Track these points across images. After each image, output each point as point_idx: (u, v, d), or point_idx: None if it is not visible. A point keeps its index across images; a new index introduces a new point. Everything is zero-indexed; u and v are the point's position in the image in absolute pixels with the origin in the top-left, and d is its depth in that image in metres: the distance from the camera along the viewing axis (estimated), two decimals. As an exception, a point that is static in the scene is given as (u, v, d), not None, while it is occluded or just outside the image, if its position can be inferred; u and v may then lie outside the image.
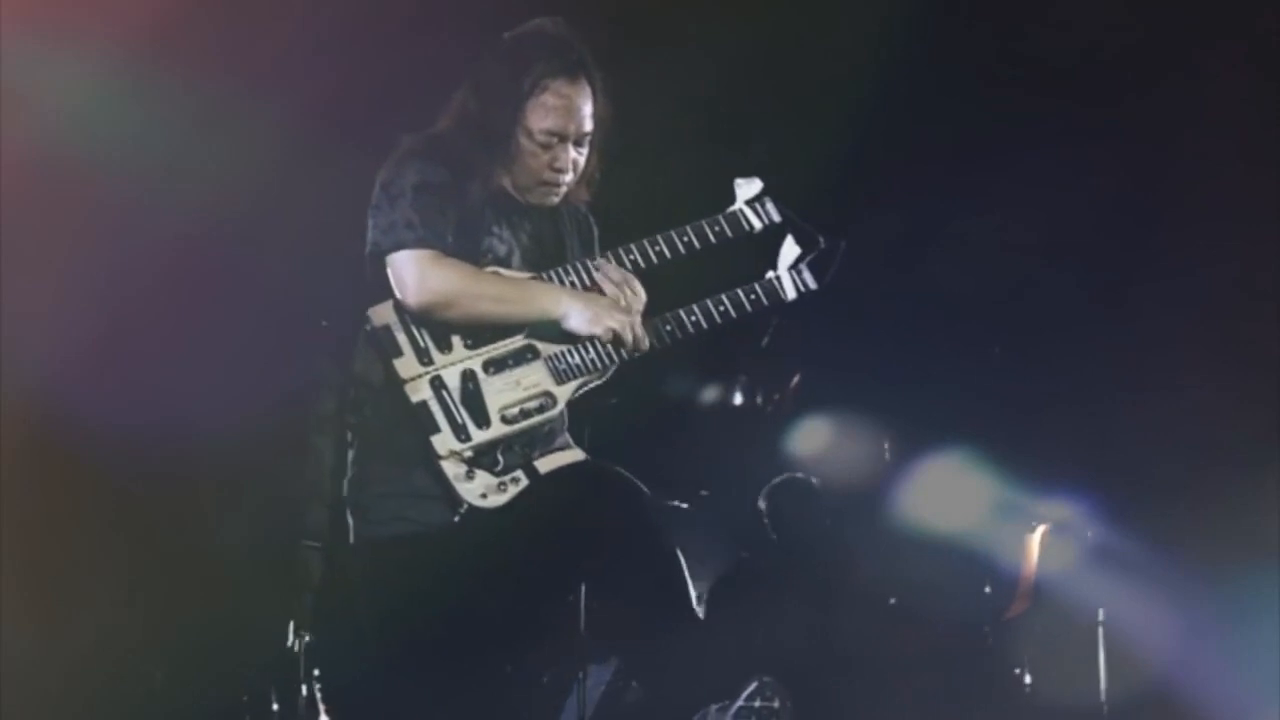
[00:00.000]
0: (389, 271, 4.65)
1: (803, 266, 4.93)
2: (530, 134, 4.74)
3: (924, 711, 7.29)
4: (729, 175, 5.00)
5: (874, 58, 7.50)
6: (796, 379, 8.08)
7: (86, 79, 6.60)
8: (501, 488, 4.61)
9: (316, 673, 6.66)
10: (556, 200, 4.87)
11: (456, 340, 4.66)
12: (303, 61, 6.85)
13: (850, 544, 7.69)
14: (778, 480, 7.88)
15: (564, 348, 4.73)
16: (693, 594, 4.70)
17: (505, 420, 4.63)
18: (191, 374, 6.88)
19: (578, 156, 4.81)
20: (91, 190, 6.70)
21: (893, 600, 7.61)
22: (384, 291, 4.70)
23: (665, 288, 4.92)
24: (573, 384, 4.74)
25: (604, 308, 4.72)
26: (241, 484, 7.23)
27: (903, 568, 7.53)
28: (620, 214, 5.11)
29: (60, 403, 6.65)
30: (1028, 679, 7.51)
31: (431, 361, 4.63)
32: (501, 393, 4.65)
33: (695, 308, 4.84)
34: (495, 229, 4.79)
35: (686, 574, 4.69)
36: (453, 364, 4.64)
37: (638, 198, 5.43)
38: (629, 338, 4.72)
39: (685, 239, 4.85)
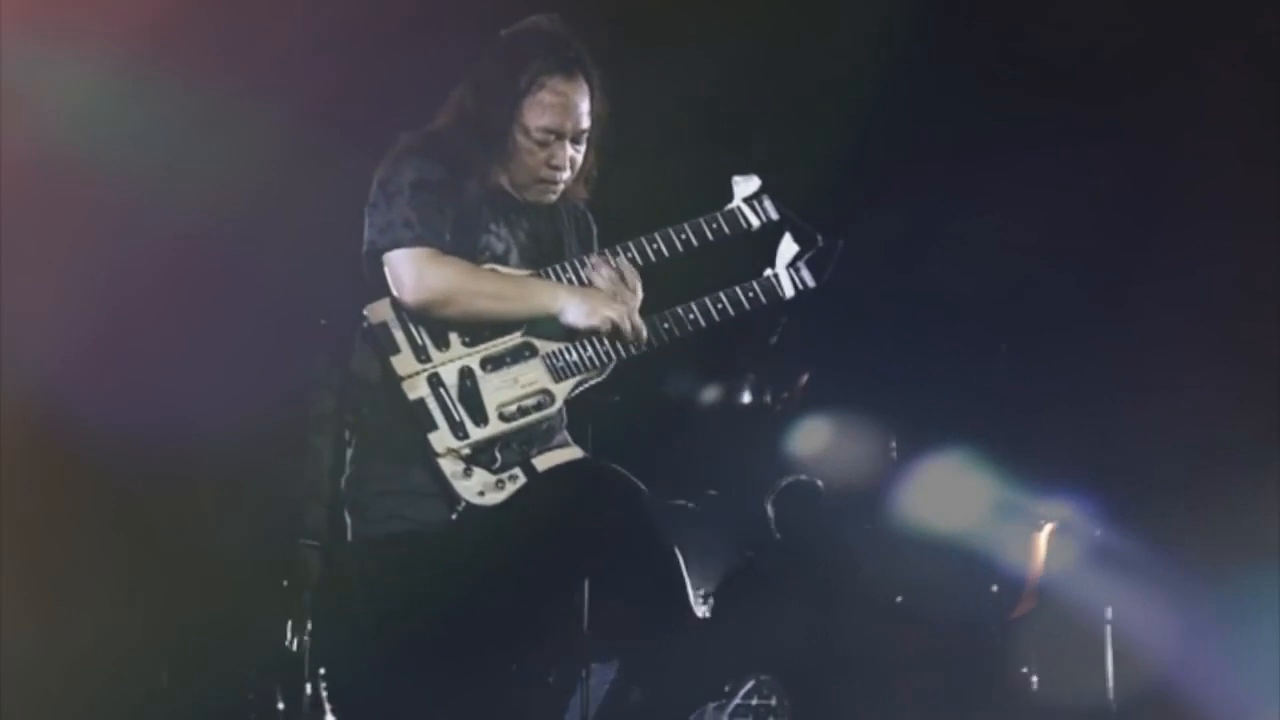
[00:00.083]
0: (386, 270, 4.64)
1: (801, 264, 4.92)
2: (527, 132, 4.73)
3: (931, 711, 7.29)
4: (729, 175, 4.99)
5: (874, 58, 7.50)
6: (805, 378, 8.09)
7: (86, 79, 6.60)
8: (499, 485, 4.60)
9: (322, 672, 6.66)
10: (554, 198, 4.86)
11: (454, 337, 4.65)
12: (303, 61, 6.86)
13: (856, 544, 7.69)
14: (784, 482, 7.88)
15: (562, 345, 4.72)
16: (691, 593, 4.69)
17: (503, 418, 4.62)
18: (191, 374, 6.89)
19: (575, 154, 4.81)
20: (91, 190, 6.70)
21: (899, 599, 7.60)
22: (382, 290, 4.69)
23: (663, 286, 4.91)
24: (571, 381, 4.73)
25: (601, 300, 4.71)
26: (241, 484, 7.23)
27: (909, 567, 7.53)
28: (620, 213, 5.11)
29: (60, 403, 6.65)
30: (1035, 678, 7.52)
31: (429, 359, 4.62)
32: (499, 390, 4.64)
33: (693, 305, 4.83)
34: (493, 226, 4.78)
35: (685, 573, 4.68)
36: (450, 361, 4.63)
37: (638, 197, 5.43)
38: (627, 328, 4.71)
39: (683, 237, 4.84)
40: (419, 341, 4.63)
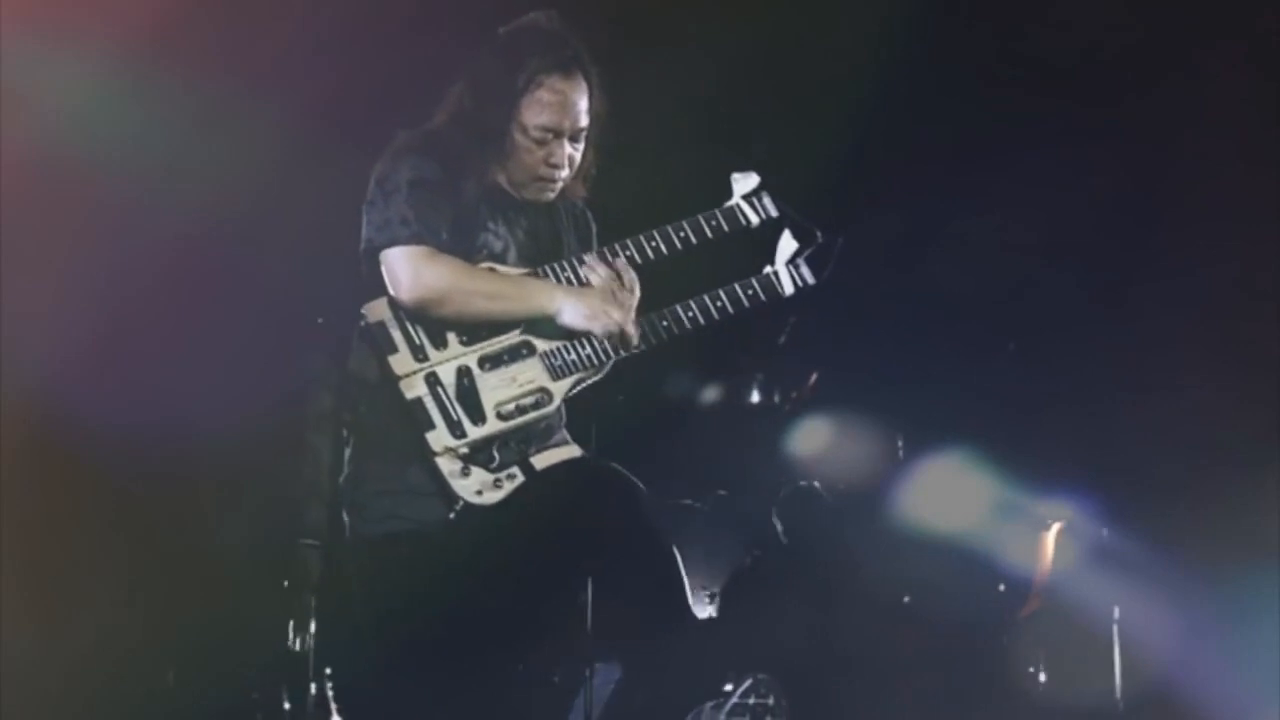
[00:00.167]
0: (383, 268, 4.64)
1: (800, 262, 4.91)
2: (525, 130, 4.72)
3: (938, 710, 7.29)
4: (729, 174, 4.98)
5: (874, 58, 7.50)
6: (814, 377, 8.09)
7: (86, 79, 6.60)
8: (497, 484, 4.59)
9: (328, 671, 6.66)
10: (552, 196, 4.85)
11: (452, 336, 4.64)
12: (303, 61, 6.86)
13: (863, 544, 7.69)
14: (790, 486, 7.88)
15: (560, 344, 4.72)
16: (689, 592, 4.68)
17: (501, 416, 4.61)
18: (191, 374, 6.89)
19: (573, 152, 4.80)
20: (91, 190, 6.71)
21: (906, 599, 7.61)
22: (380, 288, 4.68)
23: (663, 283, 4.91)
24: (569, 380, 4.72)
25: (599, 303, 4.70)
26: (241, 484, 7.23)
27: (916, 567, 7.53)
28: (620, 213, 5.10)
29: (60, 403, 6.65)
30: (1042, 677, 7.52)
31: (426, 358, 4.61)
32: (497, 389, 4.63)
33: (692, 303, 4.82)
34: (491, 225, 4.77)
35: (683, 572, 4.67)
36: (448, 360, 4.62)
37: (638, 197, 5.42)
38: (625, 330, 4.70)
39: (682, 234, 4.83)
40: (416, 340, 4.62)
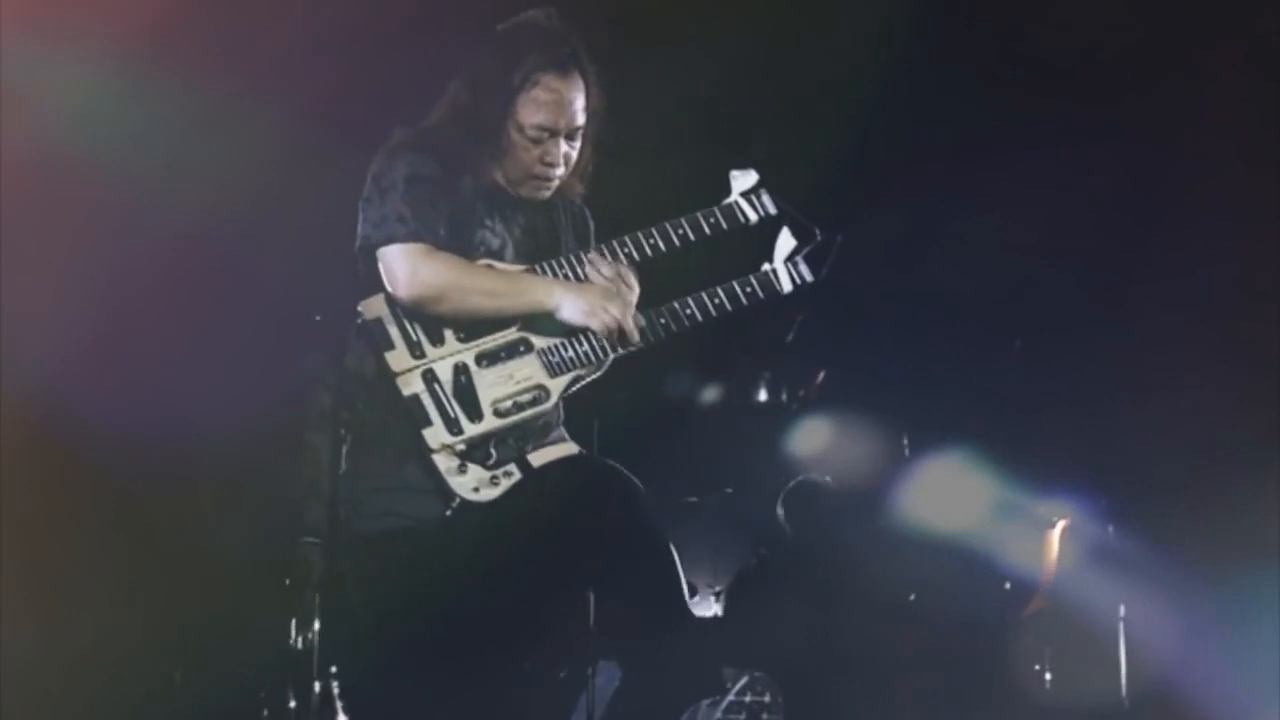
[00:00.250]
0: (380, 265, 4.63)
1: (799, 259, 4.90)
2: (521, 129, 4.71)
3: (939, 709, 7.29)
4: (728, 174, 4.98)
5: (874, 58, 7.50)
6: (821, 376, 8.10)
7: (86, 79, 6.60)
8: (494, 481, 4.59)
9: (333, 670, 6.66)
10: (548, 194, 4.85)
11: (449, 333, 4.64)
12: (303, 61, 6.86)
13: (869, 542, 7.70)
14: (795, 481, 7.89)
15: (557, 341, 4.71)
16: (686, 588, 4.68)
17: (498, 413, 4.61)
18: (191, 374, 6.89)
19: (569, 150, 4.79)
20: (91, 190, 6.70)
21: (912, 597, 7.61)
22: (377, 285, 4.68)
23: (661, 281, 4.90)
24: (566, 377, 4.72)
25: (598, 300, 4.69)
26: (241, 484, 7.23)
27: (921, 566, 7.54)
28: (620, 213, 5.09)
29: (60, 403, 6.65)
30: (1048, 676, 7.52)
31: (423, 354, 4.61)
32: (494, 386, 4.63)
33: (690, 301, 4.82)
34: (488, 222, 4.77)
35: (679, 569, 4.67)
36: (445, 357, 4.62)
37: (637, 197, 5.41)
38: (624, 327, 4.70)
39: (680, 231, 4.83)
40: (413, 337, 4.62)
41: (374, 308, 4.65)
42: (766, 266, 4.90)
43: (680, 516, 8.11)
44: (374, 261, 4.64)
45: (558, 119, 4.72)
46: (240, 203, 6.86)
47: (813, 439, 8.05)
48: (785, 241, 4.89)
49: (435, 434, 4.55)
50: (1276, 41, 7.43)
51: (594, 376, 4.83)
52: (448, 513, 4.56)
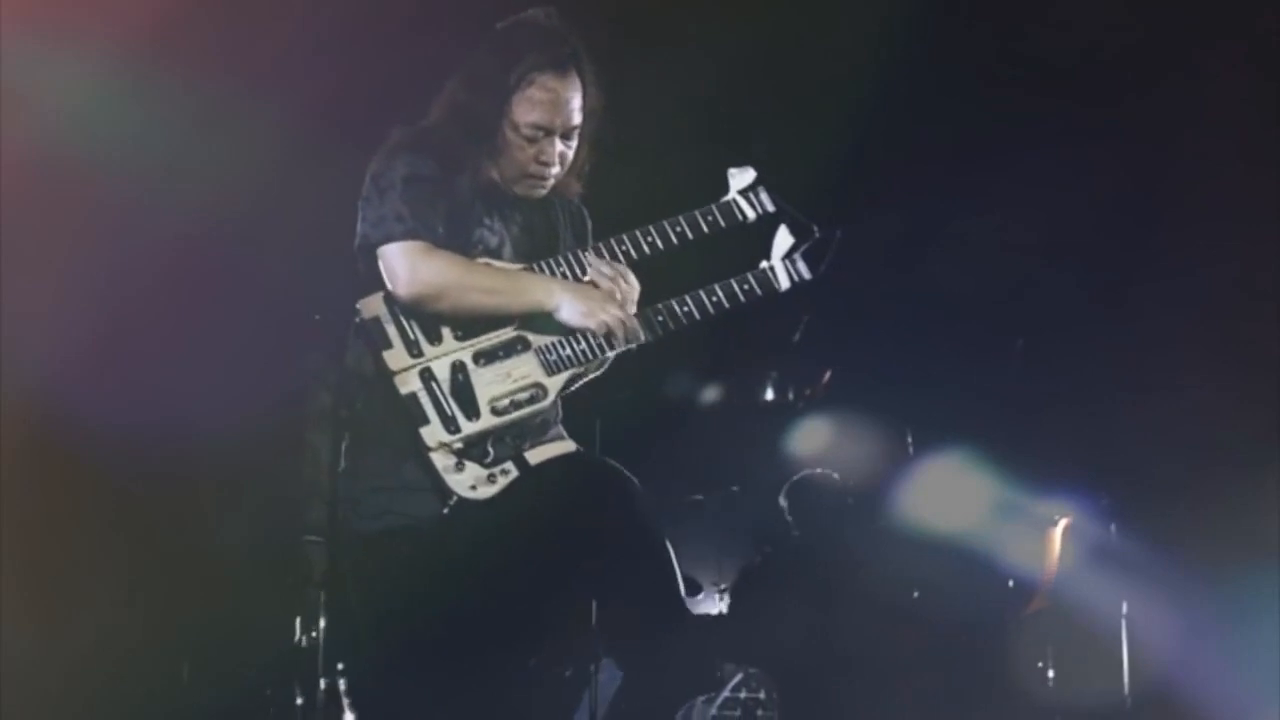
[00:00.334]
0: (380, 264, 4.63)
1: (797, 256, 4.88)
2: (516, 127, 4.70)
3: (938, 708, 7.30)
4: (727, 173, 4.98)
5: (874, 58, 7.50)
6: (828, 375, 8.11)
7: (86, 79, 6.60)
8: (491, 479, 4.58)
9: (340, 667, 6.66)
10: (543, 192, 4.84)
11: (446, 332, 4.63)
12: (303, 61, 6.86)
13: (872, 541, 7.71)
14: (798, 477, 7.90)
15: (555, 339, 4.70)
16: (682, 585, 4.68)
17: (495, 412, 4.60)
18: (191, 374, 6.89)
19: (565, 149, 4.78)
20: (91, 190, 6.71)
21: (916, 594, 7.62)
22: (376, 284, 4.68)
23: (659, 279, 4.90)
24: (564, 375, 4.71)
25: (597, 301, 4.69)
26: (241, 483, 7.24)
27: (920, 565, 7.55)
28: (620, 213, 5.09)
29: (60, 403, 6.65)
30: (1051, 673, 7.53)
31: (421, 353, 4.61)
32: (491, 384, 4.62)
33: (688, 298, 4.80)
34: (486, 221, 4.77)
35: (676, 566, 4.66)
36: (442, 355, 4.62)
37: (637, 197, 5.40)
38: (621, 334, 4.69)
39: (678, 229, 4.82)
40: (411, 336, 4.62)
41: (372, 306, 4.65)
42: (764, 264, 4.88)
43: (685, 514, 8.14)
44: (373, 260, 4.64)
45: (553, 118, 4.71)
46: (240, 203, 6.86)
47: (817, 438, 8.07)
48: (783, 239, 4.88)
49: (432, 432, 4.54)
50: (1276, 41, 7.43)
51: (594, 375, 4.82)
52: (445, 510, 4.55)
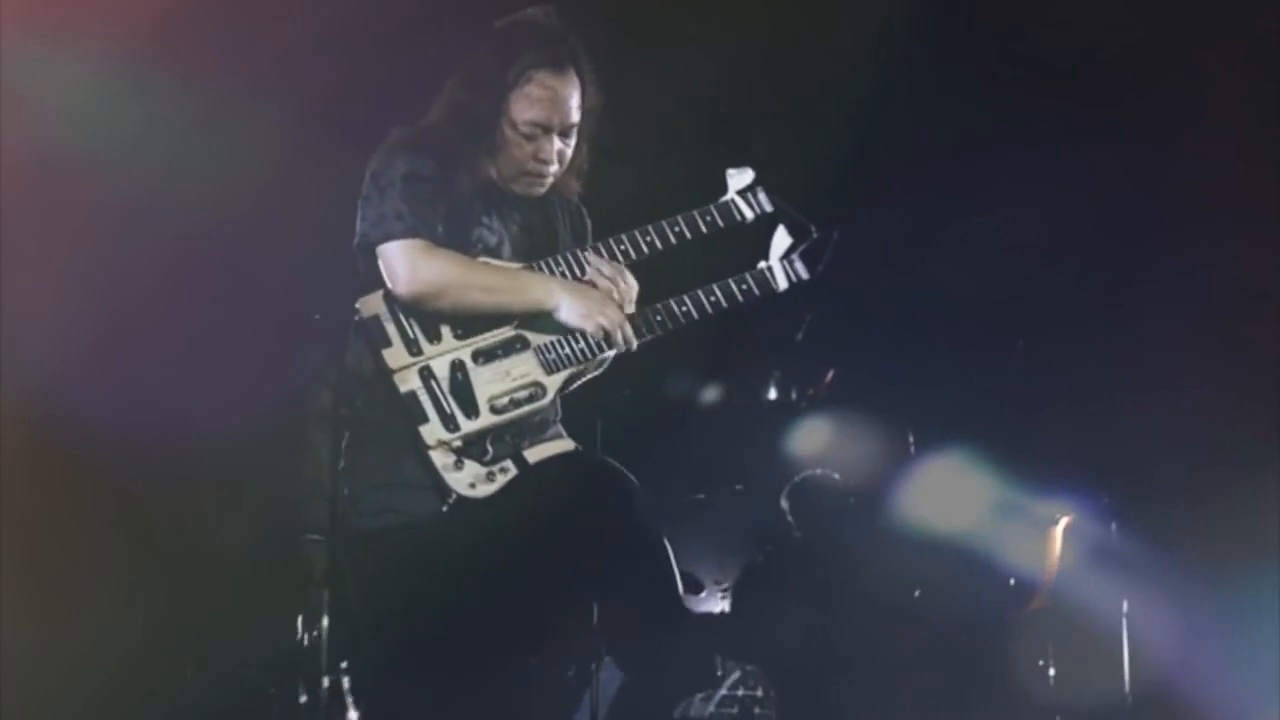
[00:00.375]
0: (380, 262, 4.64)
1: (795, 256, 4.89)
2: (514, 124, 4.71)
3: (938, 706, 7.30)
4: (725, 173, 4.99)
5: (874, 58, 7.50)
6: (831, 374, 8.12)
7: (86, 79, 6.60)
8: (490, 477, 4.58)
9: (344, 665, 6.66)
10: (541, 191, 4.84)
11: (445, 330, 4.64)
12: (303, 61, 6.86)
13: (871, 540, 7.71)
14: (799, 478, 7.91)
15: (554, 338, 4.71)
16: (680, 584, 4.68)
17: (494, 410, 4.61)
18: (191, 374, 6.89)
19: (564, 147, 4.79)
20: (91, 190, 6.71)
21: (917, 593, 7.63)
22: (376, 283, 4.69)
23: (658, 278, 4.90)
24: (563, 374, 4.72)
25: (596, 302, 4.70)
26: (242, 483, 7.24)
27: (921, 565, 7.55)
28: (619, 213, 5.09)
29: (60, 403, 6.65)
30: (1052, 671, 7.53)
31: (420, 352, 4.61)
32: (491, 383, 4.63)
33: (686, 298, 4.81)
34: (485, 219, 4.77)
35: (673, 564, 4.67)
36: (442, 354, 4.62)
37: (637, 197, 5.41)
38: (619, 334, 4.70)
39: (676, 229, 4.83)
40: (410, 334, 4.63)
41: (371, 305, 4.65)
42: (762, 264, 4.89)
43: (688, 514, 8.14)
44: (373, 259, 4.65)
45: (551, 115, 4.72)
46: (240, 203, 6.86)
47: (818, 438, 8.07)
48: (781, 239, 4.89)
49: (432, 430, 4.55)
50: (1276, 41, 7.43)
51: (594, 374, 4.83)
52: (444, 509, 4.56)
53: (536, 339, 4.70)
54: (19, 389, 6.61)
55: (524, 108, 4.70)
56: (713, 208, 4.88)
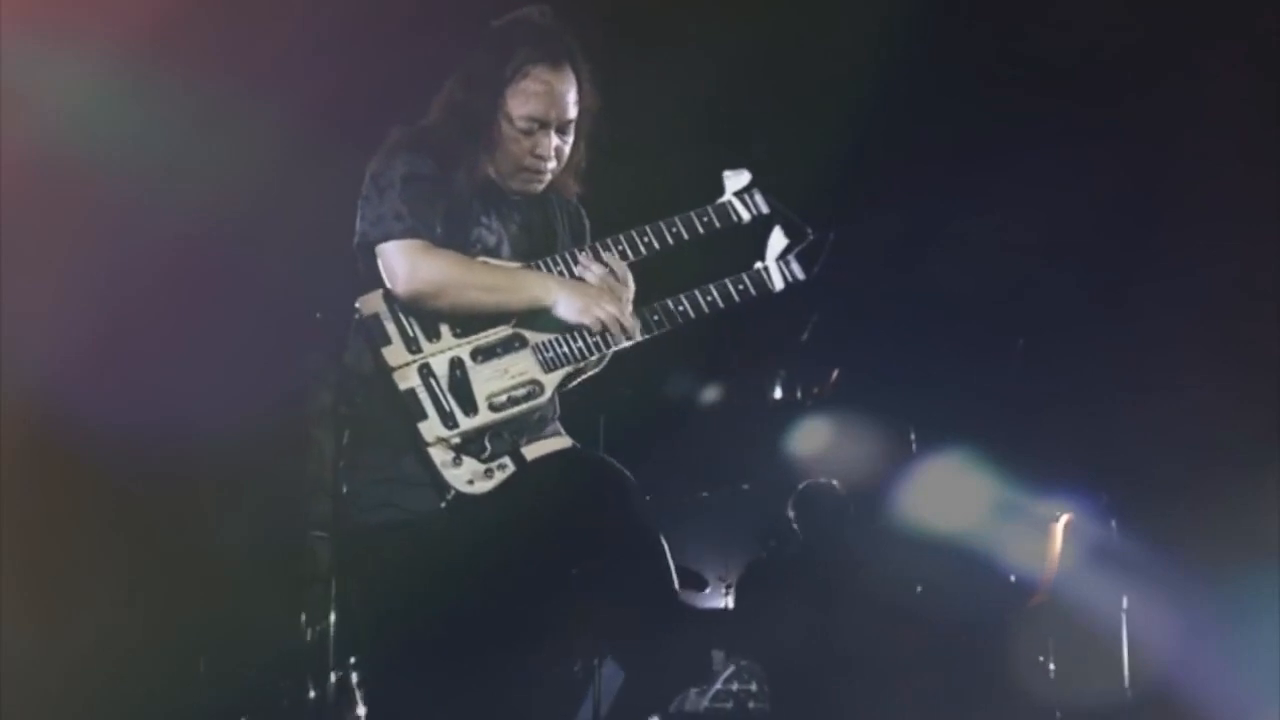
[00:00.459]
0: (380, 262, 4.64)
1: (790, 258, 4.91)
2: (511, 120, 4.72)
3: (947, 701, 7.31)
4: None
5: (874, 58, 7.51)
6: (835, 374, 8.14)
7: (86, 79, 6.61)
8: (488, 474, 4.59)
9: (352, 661, 6.66)
10: (540, 188, 4.85)
11: (445, 329, 4.65)
12: (303, 61, 6.87)
13: (872, 539, 7.72)
14: (803, 486, 7.92)
15: (552, 336, 4.72)
16: (676, 580, 4.68)
17: (493, 407, 4.62)
18: (191, 374, 6.90)
19: (561, 144, 4.79)
20: (91, 190, 6.72)
21: (919, 589, 7.63)
22: (375, 283, 4.69)
23: (655, 279, 4.90)
24: (561, 372, 4.73)
25: (593, 298, 4.71)
26: (242, 482, 7.25)
27: (921, 563, 7.56)
28: (619, 213, 5.09)
29: (60, 403, 6.66)
30: (1051, 667, 7.54)
31: (420, 349, 4.62)
32: (489, 380, 4.64)
33: (683, 297, 4.82)
34: (484, 219, 4.78)
35: (670, 560, 4.67)
36: (441, 352, 4.63)
37: (636, 197, 5.42)
38: (617, 329, 4.71)
39: (674, 230, 4.84)
40: (410, 333, 4.63)
41: (371, 304, 4.66)
42: (759, 265, 4.90)
43: (691, 512, 8.16)
44: (372, 259, 4.66)
45: (548, 110, 4.73)
46: (240, 203, 6.87)
47: (820, 437, 8.08)
48: (777, 240, 4.90)
49: (430, 427, 4.56)
50: (1276, 41, 7.43)
51: (593, 372, 4.84)
52: (443, 505, 4.56)
53: (534, 337, 4.71)
54: (19, 389, 6.62)
55: (520, 103, 4.71)
56: (710, 209, 4.88)
